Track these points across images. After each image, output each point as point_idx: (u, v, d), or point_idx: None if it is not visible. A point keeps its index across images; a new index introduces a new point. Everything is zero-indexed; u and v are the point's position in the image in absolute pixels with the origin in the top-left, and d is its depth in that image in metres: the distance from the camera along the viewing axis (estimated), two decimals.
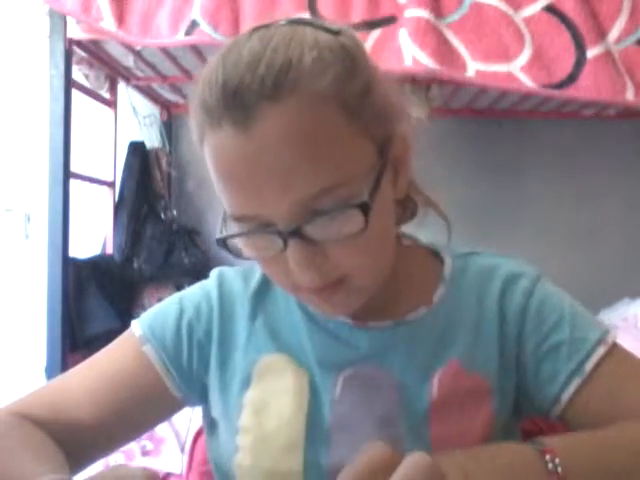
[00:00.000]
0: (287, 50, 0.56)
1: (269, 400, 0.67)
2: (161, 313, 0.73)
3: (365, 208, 0.55)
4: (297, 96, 0.54)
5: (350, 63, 0.58)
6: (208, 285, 0.74)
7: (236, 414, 0.68)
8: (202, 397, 0.72)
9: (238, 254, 0.60)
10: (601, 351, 0.64)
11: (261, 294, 0.72)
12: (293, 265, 0.57)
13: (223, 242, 0.60)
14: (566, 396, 0.64)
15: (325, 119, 0.55)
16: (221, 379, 0.70)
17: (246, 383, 0.69)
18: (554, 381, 0.65)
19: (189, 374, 0.71)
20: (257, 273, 0.73)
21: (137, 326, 0.72)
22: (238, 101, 0.54)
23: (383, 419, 0.65)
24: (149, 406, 0.70)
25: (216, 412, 0.71)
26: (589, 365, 0.64)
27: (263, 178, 0.55)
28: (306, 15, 1.49)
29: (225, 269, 0.75)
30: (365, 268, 0.59)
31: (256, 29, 0.61)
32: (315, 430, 0.65)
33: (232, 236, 0.59)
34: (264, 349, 0.69)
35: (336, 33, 0.60)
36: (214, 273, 0.75)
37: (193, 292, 0.74)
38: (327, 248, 0.57)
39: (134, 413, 0.69)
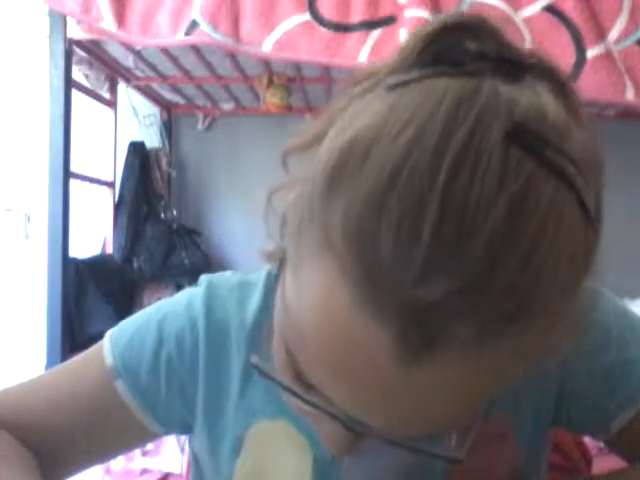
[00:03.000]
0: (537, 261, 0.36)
1: (266, 472, 0.58)
2: (137, 340, 0.60)
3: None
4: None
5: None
6: (194, 307, 0.59)
7: (227, 477, 0.60)
8: (185, 431, 0.63)
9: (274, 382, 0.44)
10: None
11: (259, 331, 0.58)
12: (328, 443, 0.45)
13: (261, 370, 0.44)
14: (616, 425, 0.57)
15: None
16: (210, 433, 0.60)
17: (238, 447, 0.59)
18: (602, 410, 0.57)
19: (169, 414, 0.60)
20: (255, 293, 0.59)
21: (109, 351, 0.60)
22: (429, 325, 0.35)
23: None
24: (122, 439, 0.62)
25: (202, 455, 0.62)
26: None
27: (400, 409, 0.39)
28: (306, 15, 1.48)
29: (216, 282, 0.60)
30: None
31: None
32: None
33: (289, 390, 0.43)
34: (260, 411, 0.57)
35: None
36: (202, 289, 0.60)
37: (176, 312, 0.60)
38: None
39: (106, 446, 0.62)
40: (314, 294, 0.38)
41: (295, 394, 0.42)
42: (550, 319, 0.37)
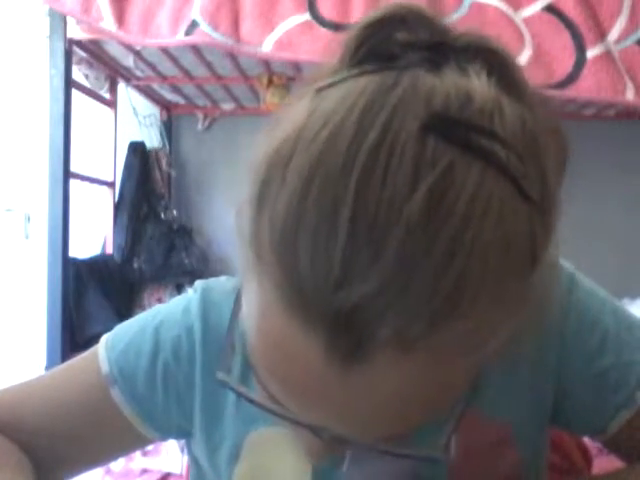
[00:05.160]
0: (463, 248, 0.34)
1: (265, 479, 0.58)
2: (133, 347, 0.59)
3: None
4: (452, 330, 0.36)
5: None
6: (190, 314, 0.58)
7: None
8: (182, 437, 0.63)
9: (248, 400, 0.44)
10: None
11: None
12: (307, 452, 0.45)
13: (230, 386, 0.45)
14: (614, 426, 0.56)
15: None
16: (208, 440, 0.59)
17: (236, 454, 0.58)
18: (600, 411, 0.56)
19: (165, 421, 0.60)
20: None
21: (104, 358, 0.59)
22: (354, 329, 0.35)
23: None
24: (118, 445, 0.62)
25: (201, 459, 0.62)
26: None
27: (352, 410, 0.39)
28: (306, 15, 1.48)
29: (211, 287, 0.60)
30: None
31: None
32: None
33: (253, 402, 0.43)
34: (258, 418, 0.55)
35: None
36: (197, 295, 0.59)
37: (172, 318, 0.59)
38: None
39: (102, 451, 0.62)
40: (254, 306, 0.39)
41: (259, 405, 0.43)
42: (488, 310, 0.36)
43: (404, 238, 0.34)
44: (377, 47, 0.41)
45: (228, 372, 0.45)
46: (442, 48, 0.40)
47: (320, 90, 0.40)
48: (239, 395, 0.44)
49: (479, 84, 0.38)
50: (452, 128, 0.36)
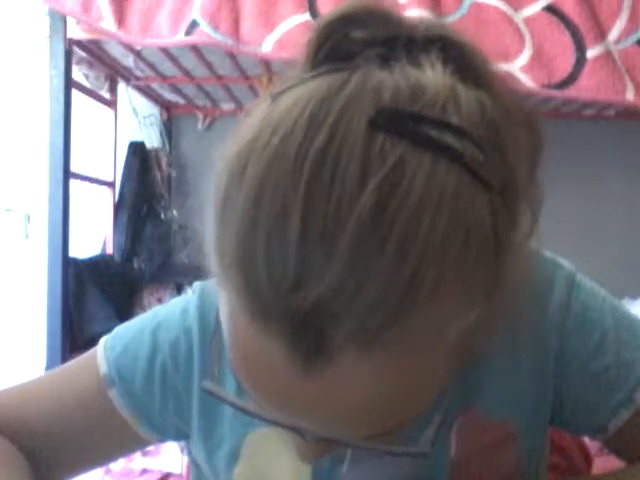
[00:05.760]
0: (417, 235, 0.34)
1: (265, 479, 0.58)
2: (131, 348, 0.59)
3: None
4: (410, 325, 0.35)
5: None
6: (188, 315, 0.58)
7: None
8: (180, 438, 0.63)
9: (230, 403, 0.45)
10: None
11: None
12: (299, 454, 0.45)
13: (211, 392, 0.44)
14: (614, 426, 0.56)
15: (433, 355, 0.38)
16: (206, 442, 0.60)
17: (235, 456, 0.58)
18: (599, 411, 0.56)
19: (163, 422, 0.60)
20: None
21: (103, 359, 0.59)
22: (313, 330, 0.35)
23: None
24: (117, 446, 0.62)
25: (201, 462, 0.62)
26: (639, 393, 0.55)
27: (323, 411, 0.39)
28: (306, 15, 1.48)
29: (209, 289, 0.58)
30: None
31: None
32: None
33: (243, 410, 0.43)
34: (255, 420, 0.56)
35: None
36: (195, 296, 0.59)
37: (171, 320, 0.59)
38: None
39: (101, 453, 0.62)
40: (224, 312, 0.40)
41: (243, 410, 0.43)
42: (449, 303, 0.36)
43: (355, 238, 0.34)
44: (336, 47, 0.41)
45: (213, 377, 0.45)
46: (397, 42, 0.40)
47: (276, 95, 0.40)
48: (219, 400, 0.45)
49: (432, 74, 0.38)
50: (401, 121, 0.35)
